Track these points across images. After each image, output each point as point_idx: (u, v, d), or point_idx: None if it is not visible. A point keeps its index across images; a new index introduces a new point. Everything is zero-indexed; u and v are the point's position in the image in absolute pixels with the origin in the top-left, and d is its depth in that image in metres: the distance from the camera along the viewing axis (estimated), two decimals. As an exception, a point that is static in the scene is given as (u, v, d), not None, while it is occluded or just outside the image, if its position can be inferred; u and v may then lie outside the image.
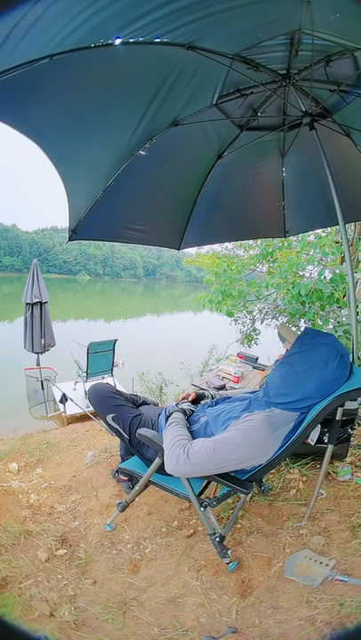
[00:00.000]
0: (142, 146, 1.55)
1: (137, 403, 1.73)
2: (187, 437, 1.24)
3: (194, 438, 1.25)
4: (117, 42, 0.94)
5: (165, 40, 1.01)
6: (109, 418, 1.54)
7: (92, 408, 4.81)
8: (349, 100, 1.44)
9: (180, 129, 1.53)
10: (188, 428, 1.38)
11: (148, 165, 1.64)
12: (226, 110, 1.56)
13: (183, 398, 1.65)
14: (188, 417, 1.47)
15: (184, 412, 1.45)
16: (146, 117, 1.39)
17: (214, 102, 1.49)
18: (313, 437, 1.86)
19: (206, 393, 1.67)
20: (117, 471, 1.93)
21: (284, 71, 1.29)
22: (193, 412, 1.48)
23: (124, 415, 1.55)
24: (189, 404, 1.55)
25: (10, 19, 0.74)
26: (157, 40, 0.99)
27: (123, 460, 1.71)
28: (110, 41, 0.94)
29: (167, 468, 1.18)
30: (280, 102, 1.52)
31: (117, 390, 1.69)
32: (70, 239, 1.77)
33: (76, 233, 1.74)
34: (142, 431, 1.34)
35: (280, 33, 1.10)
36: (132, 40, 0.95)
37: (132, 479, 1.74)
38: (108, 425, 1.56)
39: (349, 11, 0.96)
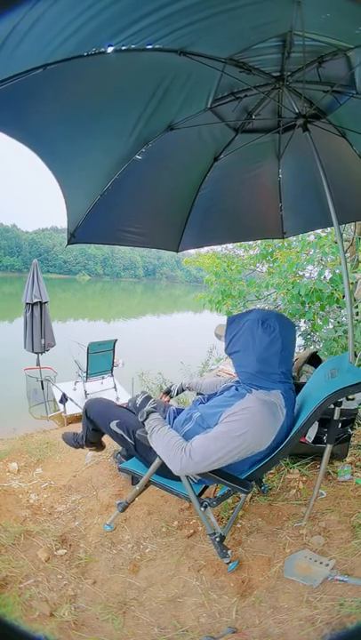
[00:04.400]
0: (139, 150, 1.56)
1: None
2: (178, 436, 1.22)
3: (190, 436, 1.23)
4: (110, 49, 0.95)
5: (157, 46, 1.01)
6: (113, 424, 1.50)
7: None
8: (343, 101, 1.44)
9: (176, 133, 1.54)
10: (182, 427, 1.36)
11: (145, 169, 1.65)
12: (221, 113, 1.57)
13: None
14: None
15: (156, 408, 1.39)
16: (141, 122, 1.39)
17: (209, 106, 1.49)
18: (310, 435, 1.86)
19: (172, 387, 1.80)
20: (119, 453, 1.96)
21: (278, 73, 1.29)
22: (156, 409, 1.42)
23: (128, 420, 1.51)
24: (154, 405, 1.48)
25: (5, 25, 0.75)
26: (149, 47, 1.00)
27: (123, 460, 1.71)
28: (103, 49, 0.95)
29: (174, 472, 1.18)
30: (275, 104, 1.53)
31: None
32: (69, 243, 1.78)
33: (74, 237, 1.75)
34: (142, 431, 1.31)
35: (272, 35, 1.11)
36: (124, 47, 0.96)
37: (132, 478, 1.74)
38: (112, 433, 1.52)
39: (340, 10, 0.97)
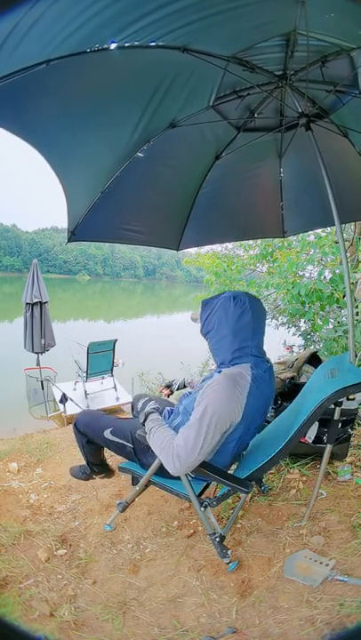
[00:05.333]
0: (140, 147, 1.55)
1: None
2: (171, 436, 1.22)
3: (179, 429, 1.24)
4: (113, 46, 0.95)
5: (161, 43, 1.01)
6: (107, 433, 1.48)
7: (91, 408, 4.82)
8: (346, 101, 1.44)
9: (178, 130, 1.53)
10: (173, 422, 1.38)
11: (147, 167, 1.65)
12: (223, 112, 1.56)
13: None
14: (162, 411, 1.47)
15: (157, 409, 1.40)
16: (143, 119, 1.39)
17: (211, 104, 1.49)
18: (310, 435, 1.86)
19: (174, 382, 1.81)
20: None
21: (281, 72, 1.29)
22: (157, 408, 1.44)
23: (122, 425, 1.51)
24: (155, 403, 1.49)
25: (7, 22, 0.75)
26: (153, 44, 1.00)
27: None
28: (106, 45, 0.95)
29: (172, 473, 1.18)
30: (277, 103, 1.53)
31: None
32: (69, 240, 1.78)
33: (75, 234, 1.75)
34: (142, 431, 1.30)
35: (275, 34, 1.11)
36: (127, 44, 0.96)
37: (132, 478, 1.74)
38: (107, 442, 1.50)
39: (344, 10, 0.96)
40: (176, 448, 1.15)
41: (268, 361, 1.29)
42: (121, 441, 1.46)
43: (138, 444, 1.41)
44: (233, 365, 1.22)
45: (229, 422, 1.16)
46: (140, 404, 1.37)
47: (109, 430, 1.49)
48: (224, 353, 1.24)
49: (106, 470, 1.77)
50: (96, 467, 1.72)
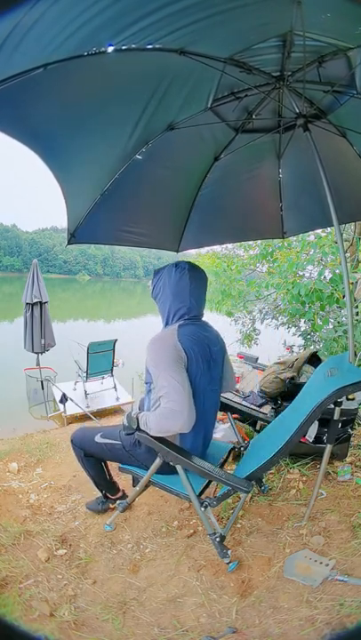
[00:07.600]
0: (139, 150, 1.56)
1: None
2: (158, 407, 1.29)
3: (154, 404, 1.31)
4: (110, 49, 0.96)
5: (158, 46, 1.02)
6: (98, 437, 1.54)
7: (91, 408, 4.80)
8: (344, 101, 1.44)
9: (176, 132, 1.54)
10: (145, 405, 1.44)
11: (146, 169, 1.65)
12: (221, 113, 1.56)
13: None
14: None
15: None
16: (141, 122, 1.40)
17: (209, 106, 1.49)
18: (311, 434, 1.86)
19: None
20: None
21: (278, 73, 1.29)
22: None
23: (111, 429, 1.56)
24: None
25: (7, 23, 0.75)
26: (150, 46, 1.00)
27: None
28: (103, 48, 0.95)
29: (185, 430, 1.23)
30: (275, 104, 1.52)
31: None
32: (69, 243, 1.78)
33: (74, 237, 1.75)
34: (140, 436, 1.33)
35: (272, 35, 1.11)
36: (124, 47, 0.96)
37: (133, 479, 1.74)
38: (99, 446, 1.54)
39: (340, 10, 0.96)
40: (168, 408, 1.22)
41: (206, 324, 1.44)
42: (110, 441, 1.52)
43: (126, 439, 1.46)
44: (168, 327, 1.37)
45: (181, 361, 1.27)
46: (124, 421, 1.41)
47: (99, 434, 1.54)
48: (167, 313, 1.40)
49: (118, 493, 1.77)
50: (107, 489, 1.74)
